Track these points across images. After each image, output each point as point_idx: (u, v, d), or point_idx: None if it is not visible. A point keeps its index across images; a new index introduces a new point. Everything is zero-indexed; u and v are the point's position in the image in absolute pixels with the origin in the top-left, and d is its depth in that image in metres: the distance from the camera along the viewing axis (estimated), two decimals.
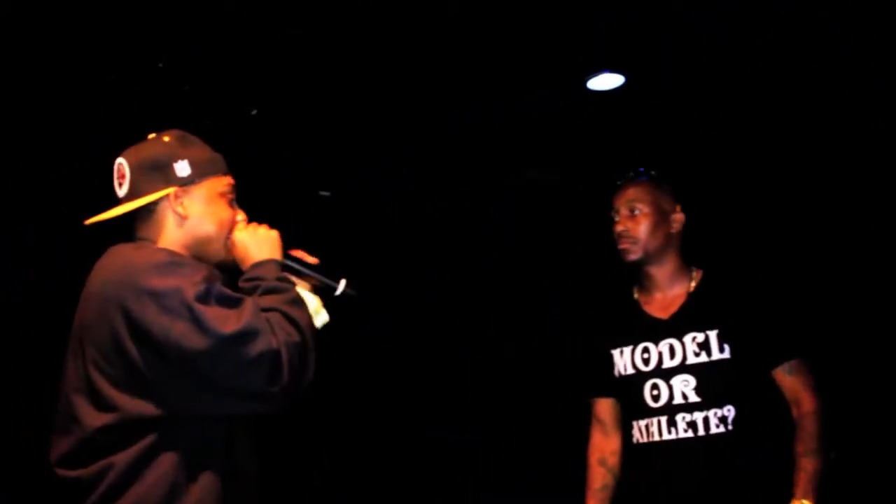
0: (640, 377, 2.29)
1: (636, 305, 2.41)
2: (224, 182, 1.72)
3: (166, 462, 1.47)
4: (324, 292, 1.77)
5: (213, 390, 1.45)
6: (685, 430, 2.20)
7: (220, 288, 1.49)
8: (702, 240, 2.43)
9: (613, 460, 2.43)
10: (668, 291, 2.35)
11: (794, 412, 2.23)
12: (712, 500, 2.17)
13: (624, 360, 2.34)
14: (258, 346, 1.42)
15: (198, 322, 1.41)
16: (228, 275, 1.68)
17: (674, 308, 2.32)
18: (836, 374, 3.71)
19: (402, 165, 4.44)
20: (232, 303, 1.48)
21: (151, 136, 1.72)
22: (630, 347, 2.33)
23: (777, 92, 3.84)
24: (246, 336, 1.42)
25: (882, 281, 4.13)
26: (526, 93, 3.83)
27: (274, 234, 1.73)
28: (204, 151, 1.72)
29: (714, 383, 2.20)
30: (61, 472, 1.51)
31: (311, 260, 1.79)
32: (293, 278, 1.71)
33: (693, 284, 2.34)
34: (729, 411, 2.19)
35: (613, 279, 2.50)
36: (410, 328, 4.96)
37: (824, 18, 3.21)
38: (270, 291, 1.58)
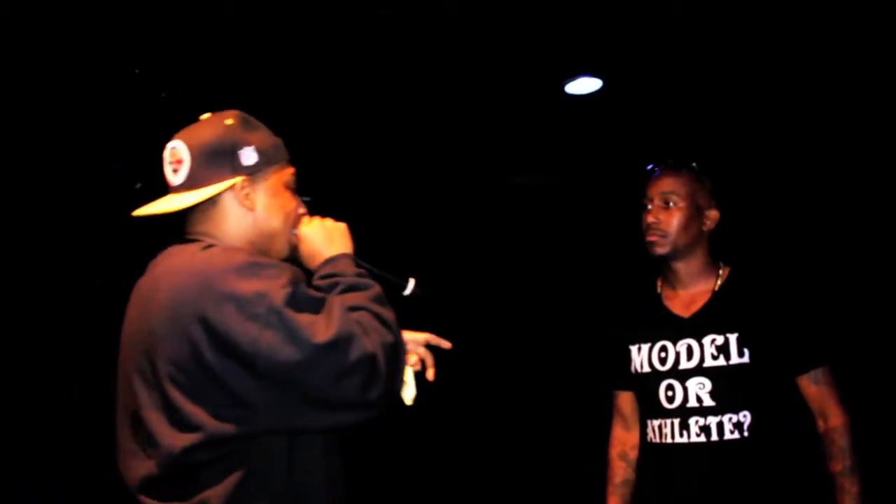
0: (655, 376, 2.23)
1: (658, 300, 2.33)
2: (289, 171, 1.59)
3: (262, 492, 1.36)
4: (391, 291, 1.64)
5: (307, 402, 1.32)
6: (697, 435, 2.14)
7: (305, 290, 1.38)
8: (723, 237, 2.35)
9: (634, 454, 2.39)
10: (691, 288, 2.27)
11: (821, 425, 2.16)
12: None
13: (641, 358, 2.28)
14: (354, 353, 1.31)
15: (288, 330, 1.29)
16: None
17: (696, 307, 2.24)
18: (862, 381, 3.70)
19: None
20: (319, 306, 1.36)
21: (206, 116, 1.58)
22: (648, 345, 2.26)
23: (756, 92, 3.83)
24: (340, 343, 1.31)
25: None
26: (504, 97, 3.80)
27: (343, 227, 1.62)
28: (268, 136, 1.57)
29: (730, 388, 2.13)
30: (147, 500, 1.39)
31: None
32: None
33: (719, 283, 2.26)
34: (745, 417, 2.12)
35: (638, 269, 2.43)
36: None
37: (802, 21, 3.20)
38: (352, 288, 1.46)
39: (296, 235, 1.59)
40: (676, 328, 2.23)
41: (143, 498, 1.39)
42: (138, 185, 3.85)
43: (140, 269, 5.08)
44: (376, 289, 1.49)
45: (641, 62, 3.62)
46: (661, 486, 2.21)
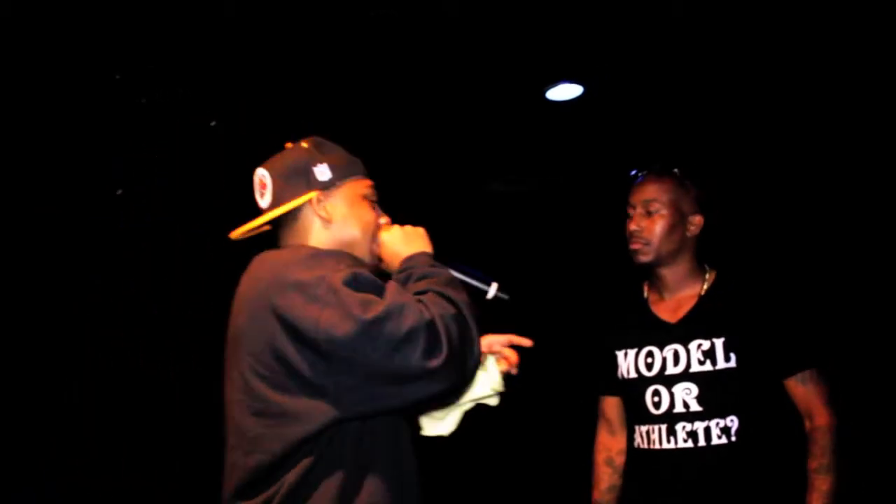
0: (641, 382, 2.23)
1: (645, 305, 2.34)
2: (365, 184, 1.71)
3: (333, 475, 1.42)
4: (475, 295, 1.71)
5: (373, 379, 1.37)
6: (685, 440, 2.14)
7: (365, 273, 1.45)
8: (709, 241, 2.36)
9: (620, 460, 2.39)
10: (678, 293, 2.28)
11: (807, 425, 2.17)
12: None
13: (627, 363, 2.28)
14: (408, 321, 1.35)
15: (344, 306, 1.36)
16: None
17: (682, 312, 2.25)
18: (854, 383, 3.71)
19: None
20: (378, 288, 1.43)
21: (288, 145, 1.73)
22: (634, 350, 2.27)
23: (736, 97, 3.89)
24: (392, 314, 1.36)
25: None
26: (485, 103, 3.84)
27: (420, 230, 1.71)
28: (342, 154, 1.71)
29: (717, 393, 2.14)
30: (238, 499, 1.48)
31: None
32: None
33: (705, 287, 2.27)
34: (732, 422, 2.12)
35: (624, 274, 2.44)
36: None
37: (781, 26, 3.23)
38: (422, 277, 1.54)
39: (377, 244, 1.70)
40: (663, 333, 2.24)
41: (235, 500, 1.48)
42: (119, 192, 3.87)
43: (140, 269, 5.07)
44: (446, 275, 1.56)
45: (622, 69, 3.64)
46: (649, 492, 2.22)
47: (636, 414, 2.28)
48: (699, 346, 2.18)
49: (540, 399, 4.74)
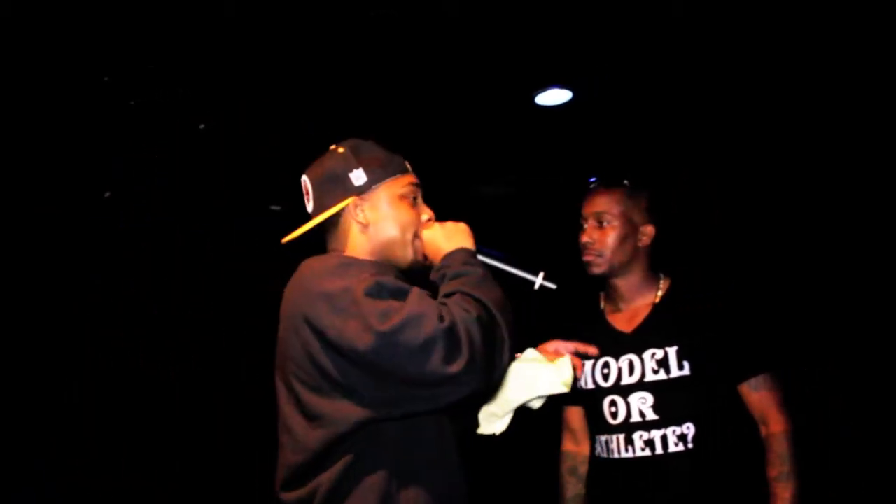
0: (599, 393, 2.24)
1: (601, 316, 2.35)
2: (403, 183, 1.72)
3: (374, 474, 1.47)
4: (522, 286, 1.76)
5: (398, 385, 1.41)
6: (642, 449, 2.14)
7: (389, 280, 1.48)
8: (663, 248, 2.36)
9: (584, 469, 2.40)
10: (633, 303, 2.29)
11: (762, 431, 2.17)
12: None
13: (584, 375, 2.28)
14: (426, 329, 1.38)
15: (363, 318, 1.40)
16: (422, 278, 1.68)
17: (637, 321, 2.25)
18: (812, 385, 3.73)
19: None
20: (401, 294, 1.45)
21: (332, 147, 1.76)
22: (591, 361, 2.26)
23: (723, 103, 3.89)
24: (410, 322, 1.38)
25: (855, 289, 4.13)
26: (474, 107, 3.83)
27: (463, 226, 1.71)
28: (378, 156, 1.72)
29: (672, 401, 2.13)
30: (284, 495, 1.55)
31: None
32: None
33: (659, 295, 2.27)
34: (688, 429, 2.12)
35: (581, 286, 2.42)
36: None
37: (767, 31, 3.24)
38: (455, 276, 1.56)
39: (421, 241, 1.71)
40: (618, 344, 2.24)
41: (282, 494, 1.56)
42: (107, 195, 3.88)
43: (140, 269, 5.07)
44: (478, 274, 1.56)
45: (611, 74, 3.65)
46: (610, 500, 2.23)
47: (595, 424, 2.28)
48: (653, 355, 2.18)
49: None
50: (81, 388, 4.50)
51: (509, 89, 3.80)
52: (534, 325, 2.13)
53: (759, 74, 3.63)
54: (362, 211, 1.68)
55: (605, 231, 2.23)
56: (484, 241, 1.77)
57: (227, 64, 3.42)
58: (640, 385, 2.16)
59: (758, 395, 2.16)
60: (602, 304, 2.38)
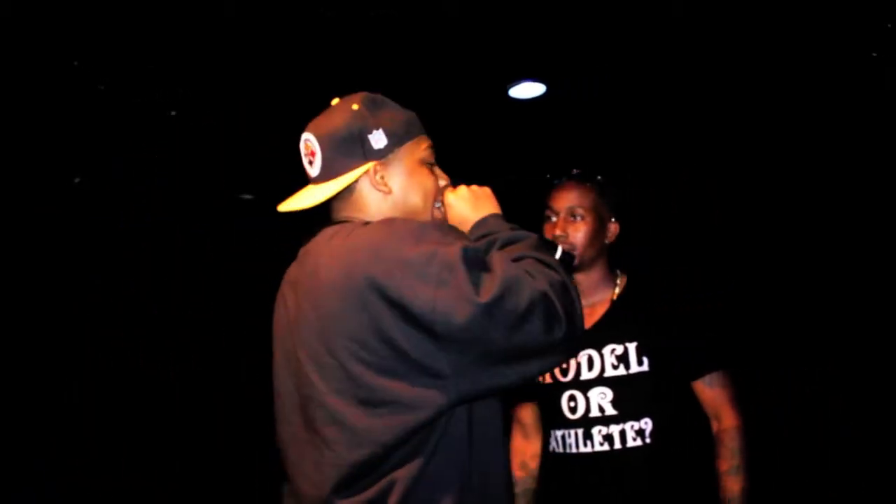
0: (557, 387, 2.25)
1: None
2: (423, 146, 1.57)
3: (451, 464, 1.33)
4: None
5: (492, 357, 1.29)
6: (601, 444, 2.16)
7: (471, 245, 1.36)
8: (626, 244, 2.38)
9: (534, 464, 2.42)
10: (591, 298, 2.29)
11: (714, 427, 2.20)
12: None
13: None
14: (525, 297, 1.28)
15: (461, 288, 1.27)
16: None
17: (596, 317, 2.27)
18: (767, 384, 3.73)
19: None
20: (486, 260, 1.34)
21: (335, 101, 1.58)
22: None
23: (696, 97, 3.90)
24: (509, 290, 1.28)
25: (816, 286, 4.14)
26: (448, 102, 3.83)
27: (487, 190, 1.61)
28: (397, 114, 1.55)
29: (631, 396, 2.16)
30: (339, 500, 1.34)
31: None
32: None
33: (617, 291, 2.29)
34: (646, 424, 2.14)
35: None
36: None
37: (742, 24, 3.23)
38: (511, 242, 1.45)
39: (441, 209, 1.59)
40: None
41: (336, 500, 1.34)
42: (77, 180, 3.86)
43: (139, 269, 5.07)
44: (534, 237, 1.47)
45: (585, 68, 3.65)
46: (566, 495, 2.24)
47: (552, 419, 2.29)
48: (613, 350, 2.20)
49: None
50: (81, 388, 4.51)
51: (483, 82, 3.79)
52: None
53: (738, 62, 3.62)
54: (382, 177, 1.51)
55: (577, 225, 2.24)
56: None
57: (227, 64, 3.42)
58: (600, 380, 2.18)
59: (712, 391, 2.19)
60: None
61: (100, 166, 4.09)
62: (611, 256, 2.33)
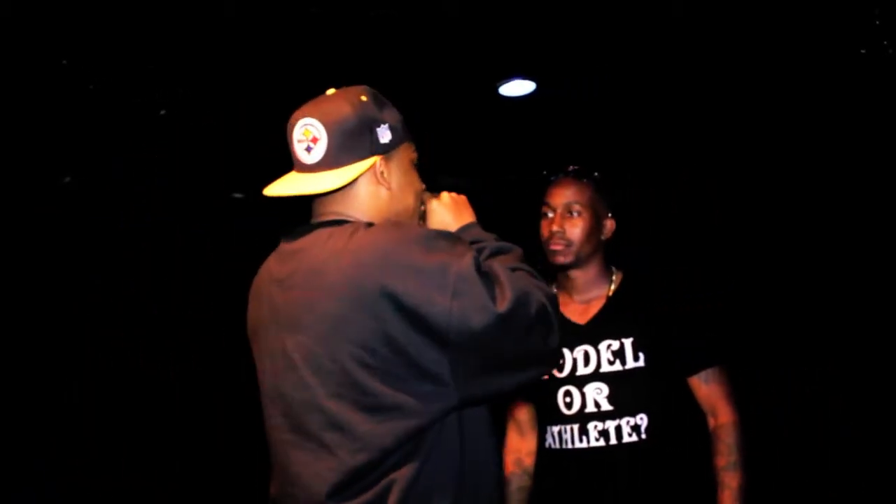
0: (553, 383, 2.26)
1: None
2: (413, 148, 1.59)
3: (446, 466, 1.36)
4: None
5: (494, 365, 1.34)
6: (597, 439, 2.18)
7: (477, 256, 1.38)
8: (625, 244, 2.41)
9: (529, 461, 2.43)
10: (586, 295, 2.32)
11: (711, 423, 2.22)
12: None
13: None
14: (533, 307, 1.34)
15: (476, 297, 1.30)
16: None
17: (591, 313, 2.29)
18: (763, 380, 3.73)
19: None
20: (491, 272, 1.37)
21: (332, 91, 1.54)
22: None
23: (687, 94, 3.91)
24: (521, 301, 1.33)
25: (810, 285, 4.15)
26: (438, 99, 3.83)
27: (464, 198, 1.65)
28: (396, 113, 1.55)
29: (627, 392, 2.18)
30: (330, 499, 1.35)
31: None
32: None
33: (612, 288, 2.31)
34: (642, 420, 2.16)
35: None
36: None
37: (735, 24, 3.23)
38: (500, 252, 1.49)
39: (423, 212, 1.61)
40: (573, 335, 2.27)
41: (329, 502, 1.34)
42: (67, 179, 3.85)
43: (140, 269, 5.06)
44: (520, 250, 1.52)
45: (575, 65, 3.67)
46: (561, 491, 2.26)
47: (548, 415, 2.30)
48: (609, 346, 2.22)
49: None
50: (81, 388, 4.52)
51: (472, 80, 3.81)
52: None
53: (756, 73, 3.67)
54: (384, 173, 1.50)
55: (574, 221, 2.25)
56: None
57: (227, 64, 3.43)
58: (596, 376, 2.20)
59: (708, 387, 2.21)
60: None
61: (100, 166, 4.10)
62: (607, 253, 2.35)
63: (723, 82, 3.77)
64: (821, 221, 4.22)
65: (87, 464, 4.39)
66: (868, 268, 4.08)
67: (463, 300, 1.29)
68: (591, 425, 2.18)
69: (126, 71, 3.35)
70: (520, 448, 2.44)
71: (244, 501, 4.53)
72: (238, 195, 4.64)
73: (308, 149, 1.46)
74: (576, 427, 2.19)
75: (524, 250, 1.57)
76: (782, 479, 3.93)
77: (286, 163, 1.56)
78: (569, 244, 2.24)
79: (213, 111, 3.76)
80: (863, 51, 3.25)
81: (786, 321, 4.16)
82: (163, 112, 3.65)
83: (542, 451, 2.33)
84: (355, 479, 1.33)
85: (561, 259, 2.26)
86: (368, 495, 1.32)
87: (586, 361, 2.22)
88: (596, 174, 2.32)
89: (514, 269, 1.42)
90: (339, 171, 1.45)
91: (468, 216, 1.60)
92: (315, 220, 1.51)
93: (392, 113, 1.53)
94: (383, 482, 1.32)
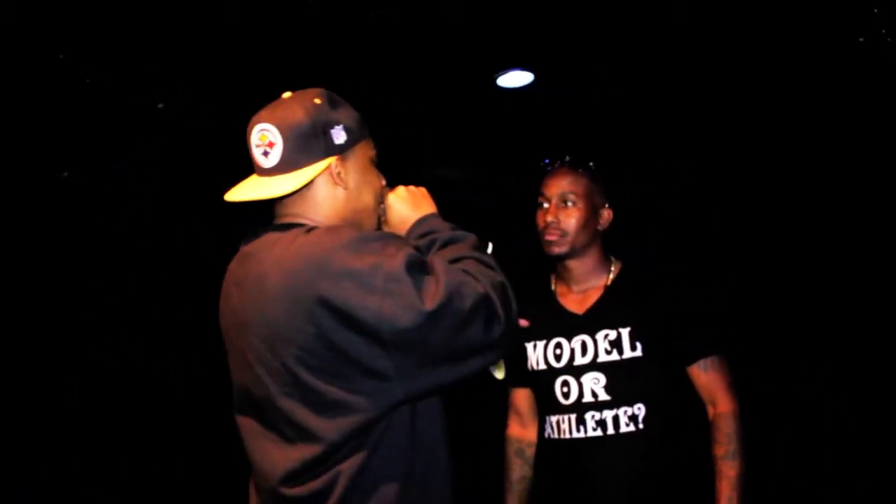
0: (551, 373, 2.29)
1: (552, 298, 2.40)
2: (371, 145, 1.62)
3: (394, 458, 1.41)
4: None
5: (436, 359, 1.36)
6: (594, 429, 2.19)
7: (414, 252, 1.40)
8: (625, 243, 2.43)
9: (530, 451, 2.45)
10: (585, 285, 2.34)
11: (710, 412, 2.24)
12: (622, 499, 2.17)
13: (536, 355, 2.33)
14: (468, 300, 1.35)
15: (406, 296, 1.33)
16: None
17: (589, 303, 2.31)
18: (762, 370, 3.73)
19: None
20: (426, 264, 1.40)
21: (288, 95, 1.57)
22: (543, 342, 2.32)
23: (685, 87, 3.92)
24: (453, 295, 1.34)
25: (809, 277, 4.14)
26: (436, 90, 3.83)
27: (424, 190, 1.66)
28: (352, 112, 1.58)
29: (625, 382, 2.19)
30: (286, 490, 1.42)
31: None
32: None
33: (611, 278, 2.33)
34: (640, 410, 2.18)
35: (532, 266, 2.47)
36: None
37: (736, 22, 3.25)
38: (451, 241, 1.51)
39: (383, 208, 1.64)
40: (570, 325, 2.30)
41: (282, 489, 1.43)
42: (65, 174, 3.85)
43: (140, 269, 5.07)
44: (473, 237, 1.54)
45: (573, 57, 3.68)
46: (560, 481, 2.28)
47: (546, 405, 2.33)
48: (606, 335, 2.23)
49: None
50: (81, 388, 4.53)
51: (470, 71, 3.81)
52: None
53: (756, 73, 3.71)
54: (340, 174, 1.54)
55: (569, 211, 2.27)
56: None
57: (227, 64, 3.43)
58: (594, 365, 2.21)
59: (707, 376, 2.22)
60: (553, 286, 2.43)
61: (100, 166, 4.10)
62: (606, 243, 2.36)
63: (723, 79, 3.78)
64: (821, 221, 4.22)
65: (87, 464, 4.40)
66: (868, 267, 4.08)
67: (391, 300, 1.32)
68: (588, 415, 2.19)
69: (126, 71, 3.36)
70: (521, 439, 2.47)
71: (244, 501, 4.53)
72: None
73: (265, 153, 1.50)
74: (573, 417, 2.21)
75: (494, 239, 1.61)
76: (782, 478, 3.93)
77: None
78: (564, 234, 2.26)
79: (212, 111, 3.76)
80: (861, 39, 3.25)
81: (785, 321, 4.17)
82: (161, 105, 3.64)
83: (542, 441, 2.35)
84: (306, 469, 1.40)
85: (556, 249, 2.28)
86: (317, 483, 1.39)
87: (584, 351, 2.23)
88: (591, 164, 2.33)
89: (459, 260, 1.44)
90: (294, 174, 1.49)
91: (427, 207, 1.62)
92: (274, 223, 1.56)
93: (348, 113, 1.56)
94: (331, 472, 1.38)
